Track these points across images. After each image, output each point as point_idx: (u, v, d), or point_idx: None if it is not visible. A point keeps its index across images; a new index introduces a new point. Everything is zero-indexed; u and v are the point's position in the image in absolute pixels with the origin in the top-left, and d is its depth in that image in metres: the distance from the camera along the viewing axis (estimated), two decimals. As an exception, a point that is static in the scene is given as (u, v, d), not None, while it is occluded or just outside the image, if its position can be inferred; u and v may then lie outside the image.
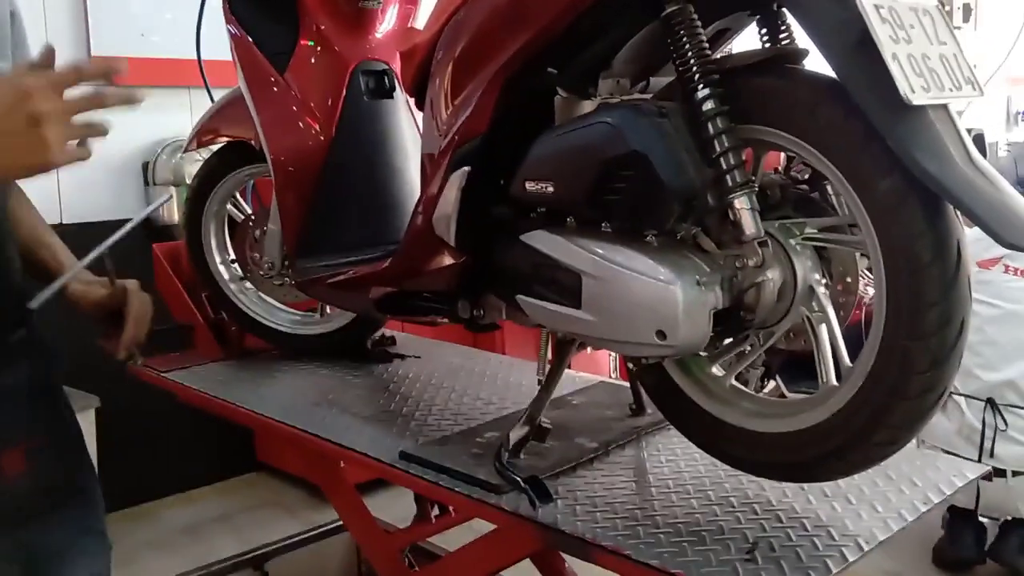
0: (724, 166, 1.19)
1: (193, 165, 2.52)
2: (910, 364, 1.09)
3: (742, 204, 1.18)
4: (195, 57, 2.58)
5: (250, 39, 1.99)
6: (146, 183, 3.12)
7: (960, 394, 2.62)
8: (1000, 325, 2.59)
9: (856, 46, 1.04)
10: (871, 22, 1.02)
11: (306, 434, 1.80)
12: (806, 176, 1.31)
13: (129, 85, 3.10)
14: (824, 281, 1.25)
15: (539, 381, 1.55)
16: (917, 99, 1.02)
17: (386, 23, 2.01)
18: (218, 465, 3.57)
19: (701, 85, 1.20)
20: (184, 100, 3.01)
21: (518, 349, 2.43)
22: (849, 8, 1.04)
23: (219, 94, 2.28)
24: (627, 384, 1.86)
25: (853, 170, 1.11)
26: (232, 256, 2.32)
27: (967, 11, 6.06)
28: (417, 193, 1.86)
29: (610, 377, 2.70)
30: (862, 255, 1.24)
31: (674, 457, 1.58)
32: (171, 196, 1.23)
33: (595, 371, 2.26)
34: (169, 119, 3.02)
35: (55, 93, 1.05)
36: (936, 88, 1.05)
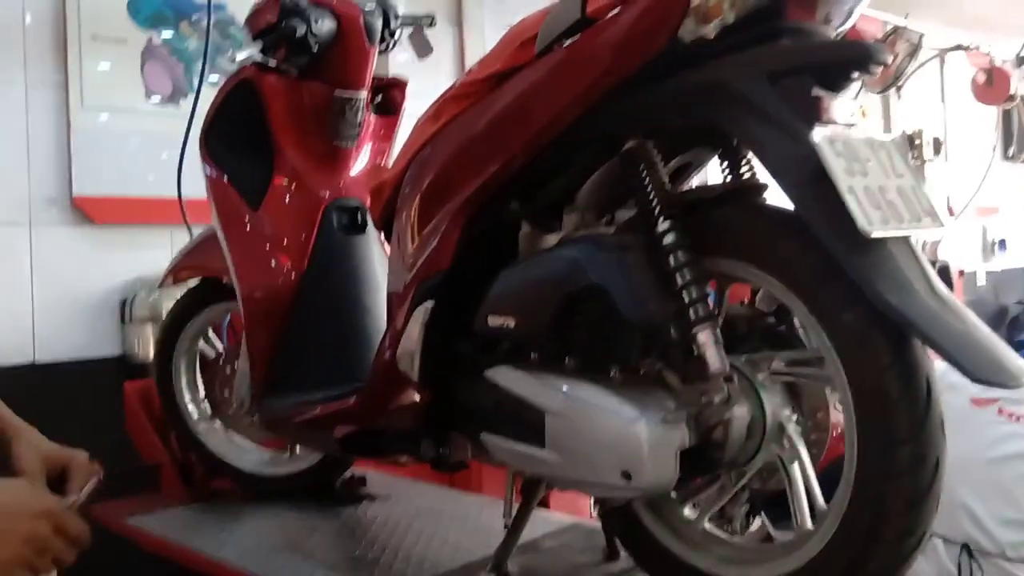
0: (686, 299, 1.16)
1: (171, 302, 2.50)
2: (885, 506, 1.04)
3: (706, 338, 1.15)
4: (176, 196, 2.63)
5: (225, 178, 2.00)
6: (123, 320, 3.09)
7: (937, 535, 2.52)
8: (981, 468, 2.51)
9: (812, 180, 1.03)
10: (825, 157, 1.02)
11: (265, 584, 1.72)
12: (772, 308, 1.29)
13: (110, 224, 3.11)
14: (795, 417, 1.21)
15: (505, 525, 1.49)
16: (876, 231, 1.01)
17: (360, 161, 2.03)
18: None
19: (661, 218, 1.19)
20: (164, 238, 3.02)
21: (496, 487, 2.33)
22: (803, 144, 1.04)
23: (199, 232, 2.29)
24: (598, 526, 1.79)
25: (816, 303, 1.09)
26: (202, 394, 2.28)
27: (937, 144, 6.24)
28: (386, 329, 1.84)
29: (591, 515, 2.59)
30: (833, 390, 1.21)
31: (648, 608, 1.49)
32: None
33: (572, 509, 2.16)
34: (149, 256, 3.01)
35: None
36: (895, 220, 1.04)
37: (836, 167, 1.02)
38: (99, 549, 2.33)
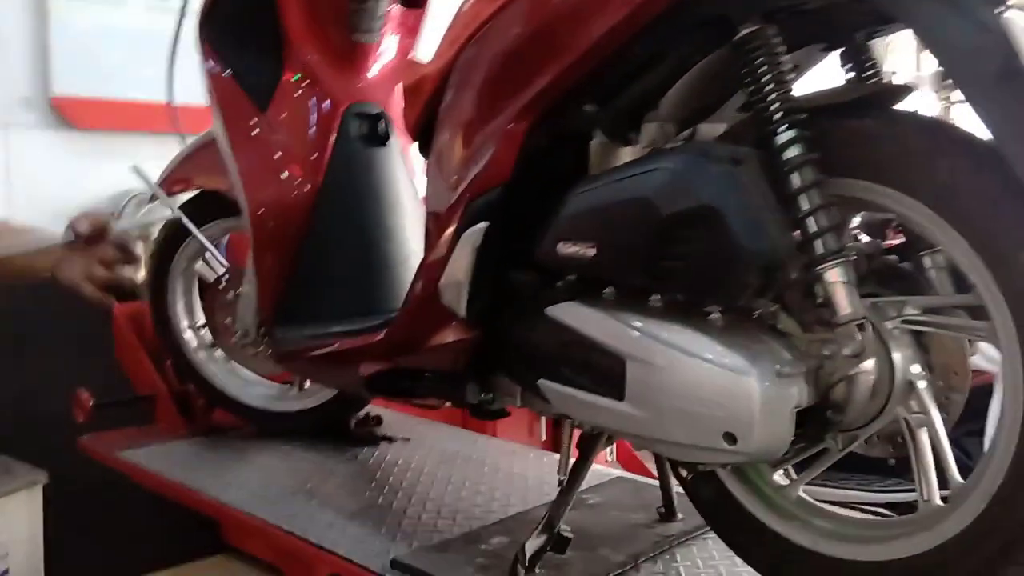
0: (813, 229, 0.95)
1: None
2: None
3: (836, 277, 0.95)
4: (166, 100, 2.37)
5: (227, 73, 1.76)
6: (111, 237, 2.88)
7: None
8: None
9: (1002, 78, 0.81)
10: (1022, 46, 0.80)
11: (280, 531, 1.56)
12: (896, 243, 1.08)
13: (95, 130, 2.85)
14: (925, 375, 1.01)
15: (560, 481, 1.30)
16: None
17: (382, 59, 1.78)
18: (180, 546, 3.25)
19: (784, 126, 0.97)
20: (155, 148, 2.77)
21: (509, 431, 2.15)
22: (992, 30, 0.81)
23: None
24: (647, 480, 1.63)
25: (985, 239, 0.87)
26: (201, 321, 2.09)
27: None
28: (414, 254, 1.63)
29: (606, 461, 2.41)
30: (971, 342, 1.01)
31: (717, 577, 1.33)
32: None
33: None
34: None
35: None
36: None
37: (1036, 60, 0.79)
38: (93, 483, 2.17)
